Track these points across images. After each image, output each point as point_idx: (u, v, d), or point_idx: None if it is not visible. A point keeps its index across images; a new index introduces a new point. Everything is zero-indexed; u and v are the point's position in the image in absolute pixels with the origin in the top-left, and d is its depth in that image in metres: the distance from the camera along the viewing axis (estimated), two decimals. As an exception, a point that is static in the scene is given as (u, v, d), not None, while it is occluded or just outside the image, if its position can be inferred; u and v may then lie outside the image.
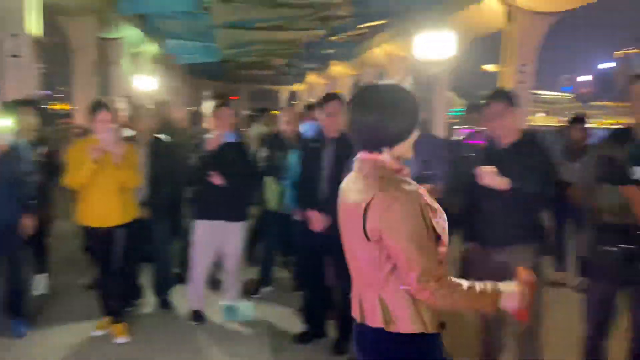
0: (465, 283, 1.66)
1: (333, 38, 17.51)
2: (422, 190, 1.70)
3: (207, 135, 3.75)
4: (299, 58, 23.55)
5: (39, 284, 4.48)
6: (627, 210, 2.50)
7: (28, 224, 3.75)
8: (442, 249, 1.70)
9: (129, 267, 4.04)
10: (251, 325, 3.90)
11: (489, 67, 16.20)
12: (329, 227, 3.43)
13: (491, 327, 3.03)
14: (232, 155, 3.73)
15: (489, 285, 1.69)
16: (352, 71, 25.76)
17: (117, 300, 3.67)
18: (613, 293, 2.69)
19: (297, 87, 39.80)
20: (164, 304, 4.22)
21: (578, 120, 5.08)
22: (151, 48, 21.20)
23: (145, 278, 4.32)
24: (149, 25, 14.68)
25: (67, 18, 13.84)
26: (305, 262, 3.76)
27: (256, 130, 6.31)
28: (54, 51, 15.40)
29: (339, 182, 3.43)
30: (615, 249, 2.51)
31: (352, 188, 1.79)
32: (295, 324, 3.82)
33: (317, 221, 3.46)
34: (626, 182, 2.52)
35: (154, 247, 4.23)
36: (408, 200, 1.61)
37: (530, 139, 2.82)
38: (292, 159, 3.92)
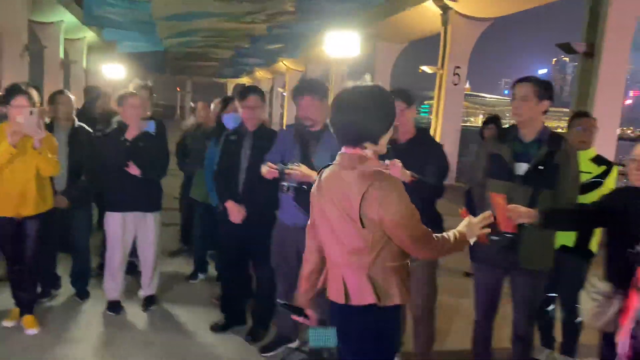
0: (444, 235, 1.97)
1: (279, 32, 17.52)
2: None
3: (115, 121, 3.67)
4: (246, 52, 23.40)
5: None
6: (509, 201, 2.74)
7: None
8: None
9: (45, 257, 3.97)
10: (169, 315, 3.92)
11: (427, 69, 16.70)
12: (248, 218, 3.52)
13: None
14: (147, 146, 3.73)
15: (458, 232, 2.00)
16: (298, 67, 25.91)
17: (29, 291, 3.58)
18: (497, 279, 2.91)
19: (244, 80, 39.48)
20: (81, 294, 4.15)
21: (490, 120, 5.41)
22: (89, 35, 20.46)
23: (64, 268, 4.24)
24: (87, 11, 14.19)
25: (-6, -1, 13.18)
26: (225, 252, 3.81)
27: (189, 122, 6.33)
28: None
29: (257, 173, 3.55)
30: (498, 237, 2.75)
31: (337, 180, 1.90)
32: (214, 313, 3.88)
33: (235, 213, 3.54)
34: (511, 177, 2.76)
35: (72, 238, 4.16)
36: (400, 188, 1.83)
37: (424, 136, 3.02)
38: (211, 150, 3.97)
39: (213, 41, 20.78)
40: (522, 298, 2.80)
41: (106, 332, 3.63)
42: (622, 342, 1.97)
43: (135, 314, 3.94)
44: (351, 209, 1.83)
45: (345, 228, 1.88)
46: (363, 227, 1.83)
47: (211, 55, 26.87)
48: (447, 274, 4.60)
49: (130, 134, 3.75)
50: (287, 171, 2.98)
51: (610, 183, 3.21)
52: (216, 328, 3.73)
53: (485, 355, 3.02)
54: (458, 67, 12.38)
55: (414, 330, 3.15)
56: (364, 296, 1.90)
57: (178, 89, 48.08)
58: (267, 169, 3.08)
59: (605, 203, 2.53)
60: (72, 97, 4.17)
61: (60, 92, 4.18)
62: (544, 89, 2.73)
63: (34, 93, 3.94)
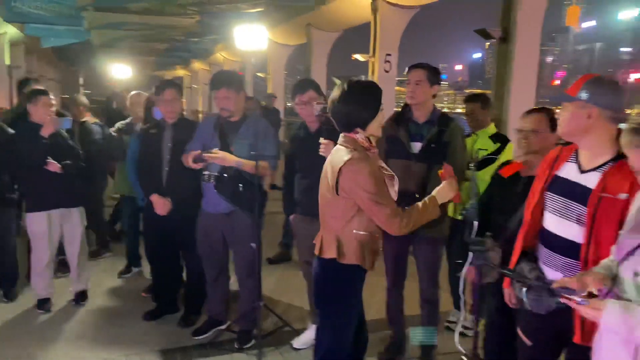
0: (415, 206, 2.24)
1: (212, 23, 17.28)
2: (381, 162, 2.34)
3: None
4: (180, 46, 22.92)
5: None
6: (407, 178, 2.99)
7: None
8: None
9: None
10: (101, 308, 3.96)
11: (359, 57, 17.14)
12: (173, 210, 3.61)
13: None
14: (60, 142, 3.73)
15: (428, 198, 2.29)
16: (235, 57, 25.67)
17: None
18: (403, 248, 3.18)
19: (180, 72, 38.63)
20: (8, 295, 4.11)
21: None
22: (10, 30, 19.39)
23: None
24: (7, 7, 13.47)
25: None
26: (153, 243, 3.88)
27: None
28: None
29: (180, 165, 3.64)
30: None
31: (333, 156, 2.31)
32: (148, 304, 3.96)
33: (160, 205, 3.62)
34: (408, 156, 3.02)
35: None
36: (371, 165, 2.19)
37: (328, 124, 3.23)
38: (133, 143, 4.01)
39: (146, 35, 20.22)
40: (425, 264, 3.09)
41: (36, 329, 3.64)
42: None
43: (66, 309, 3.97)
44: (333, 179, 2.23)
45: (328, 195, 2.30)
46: (337, 194, 2.23)
47: (145, 49, 26.11)
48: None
49: (45, 132, 3.71)
50: (205, 155, 3.11)
51: (504, 159, 3.55)
52: (149, 317, 3.82)
53: (398, 319, 3.30)
54: (389, 55, 12.75)
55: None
56: (329, 251, 2.31)
57: (111, 83, 46.34)
58: (189, 157, 3.21)
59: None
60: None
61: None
62: (435, 75, 3.03)
63: None
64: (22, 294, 4.17)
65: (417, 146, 2.98)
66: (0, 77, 18.69)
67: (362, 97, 2.26)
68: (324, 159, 3.03)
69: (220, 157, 3.13)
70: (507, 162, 2.66)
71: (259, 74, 23.71)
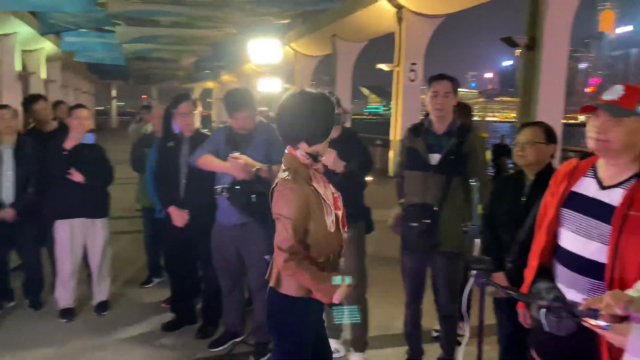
0: (315, 267, 2.00)
1: (240, 36, 17.55)
2: (323, 186, 2.07)
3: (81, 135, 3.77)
4: (209, 57, 23.33)
5: None
6: (425, 191, 2.96)
7: None
8: (325, 235, 2.05)
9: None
10: (121, 319, 4.02)
11: (383, 66, 17.08)
12: (190, 221, 3.65)
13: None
14: (89, 155, 3.87)
15: (332, 277, 1.99)
16: (264, 69, 26.00)
17: None
18: (421, 263, 3.10)
19: (210, 84, 39.29)
20: (34, 304, 4.22)
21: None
22: (47, 46, 20.13)
23: (17, 280, 4.30)
24: (43, 21, 14.00)
25: (-57, 13, 12.92)
26: (171, 254, 3.93)
27: (134, 127, 6.39)
28: None
29: (197, 178, 3.69)
30: (416, 224, 2.96)
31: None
32: (167, 315, 3.99)
33: (178, 217, 3.60)
34: (426, 168, 2.97)
35: (21, 250, 4.21)
36: (297, 189, 1.96)
37: (350, 135, 3.22)
38: (152, 156, 4.08)
39: (175, 48, 20.67)
40: (443, 279, 3.02)
41: (58, 339, 3.71)
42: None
43: (87, 320, 4.04)
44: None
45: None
46: (274, 218, 2.06)
47: (174, 62, 26.68)
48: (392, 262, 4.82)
49: (68, 145, 3.83)
50: (230, 157, 3.12)
51: None
52: (167, 328, 3.85)
53: (415, 334, 3.23)
54: (414, 64, 12.71)
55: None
56: (272, 279, 2.16)
57: (144, 97, 47.51)
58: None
59: None
60: (14, 110, 4.23)
61: (1, 106, 4.23)
62: (457, 86, 2.99)
63: None
64: (47, 304, 4.26)
65: (435, 158, 2.93)
66: (36, 91, 19.39)
67: (311, 108, 2.03)
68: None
69: (244, 161, 3.11)
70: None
71: (285, 86, 23.95)
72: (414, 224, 2.91)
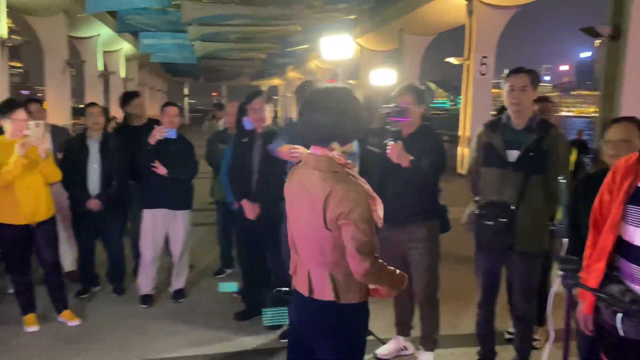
0: (387, 266, 1.94)
1: (307, 33, 17.73)
2: (363, 180, 1.92)
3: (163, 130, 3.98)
4: (277, 54, 23.75)
5: (10, 283, 4.28)
6: (501, 188, 2.85)
7: None
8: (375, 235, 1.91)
9: (85, 256, 4.35)
10: (196, 307, 4.20)
11: (452, 60, 16.59)
12: (261, 214, 3.75)
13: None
14: (173, 149, 4.08)
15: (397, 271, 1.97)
16: (329, 66, 26.14)
17: (60, 290, 3.88)
18: (495, 263, 2.91)
19: (276, 81, 39.99)
20: (118, 290, 4.50)
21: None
22: (125, 46, 21.33)
23: (102, 267, 4.60)
24: (121, 23, 14.85)
25: (35, 18, 13.98)
26: (243, 246, 4.06)
27: (208, 124, 6.62)
28: (30, 51, 15.56)
29: (269, 172, 3.77)
30: (492, 222, 2.86)
31: (305, 179, 1.92)
32: (239, 305, 4.13)
33: (250, 210, 3.69)
34: (503, 165, 2.86)
35: (106, 238, 4.51)
36: (359, 190, 1.83)
37: (425, 130, 3.15)
38: (227, 151, 4.21)
39: (244, 46, 21.21)
40: (519, 280, 2.90)
41: (137, 323, 3.93)
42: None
43: (165, 306, 4.25)
44: (317, 210, 1.85)
45: (311, 227, 1.90)
46: (326, 228, 1.85)
47: (243, 60, 27.39)
48: (464, 261, 4.70)
49: (153, 139, 4.03)
50: (291, 150, 3.17)
51: None
52: (238, 317, 3.97)
53: (487, 335, 3.13)
54: (485, 57, 12.29)
55: (420, 316, 3.28)
56: (324, 292, 1.93)
57: (214, 94, 49.11)
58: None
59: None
60: (101, 108, 4.51)
61: (91, 104, 4.52)
62: (536, 79, 2.85)
63: (34, 106, 4.27)
64: (129, 290, 4.53)
65: (513, 154, 2.81)
66: (117, 88, 20.58)
67: (343, 105, 1.87)
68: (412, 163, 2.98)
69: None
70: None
71: (350, 81, 23.92)
72: (490, 223, 2.82)
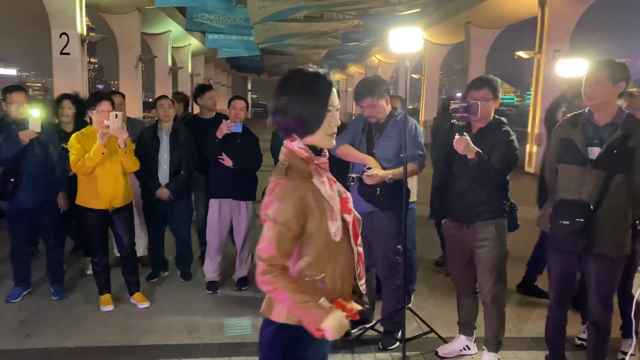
0: (294, 284, 1.57)
1: (370, 26, 17.59)
2: (328, 185, 1.63)
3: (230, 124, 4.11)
4: (338, 50, 23.76)
5: (89, 264, 4.59)
6: (580, 187, 2.69)
7: (62, 201, 4.15)
8: (327, 245, 1.62)
9: (155, 242, 4.58)
10: (258, 294, 4.28)
11: (523, 54, 15.80)
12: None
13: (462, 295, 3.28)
14: (239, 142, 4.19)
15: (323, 303, 1.55)
16: (390, 60, 25.86)
17: (133, 273, 4.08)
18: (570, 265, 2.79)
19: (337, 76, 40.02)
20: (185, 275, 4.69)
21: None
22: (193, 42, 22.07)
23: (170, 253, 4.80)
24: (189, 18, 15.38)
25: (111, 16, 14.74)
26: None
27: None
28: (109, 47, 16.46)
29: (332, 167, 3.77)
30: (569, 222, 2.71)
31: None
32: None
33: None
34: (583, 162, 2.70)
35: (174, 226, 4.70)
36: (290, 188, 1.56)
37: (497, 123, 3.04)
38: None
39: (305, 42, 21.39)
40: (596, 284, 2.74)
41: (203, 308, 4.07)
42: None
43: (229, 293, 4.38)
44: None
45: None
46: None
47: (305, 56, 27.61)
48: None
49: (220, 133, 4.16)
50: (364, 176, 3.21)
51: None
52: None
53: (558, 340, 3.00)
54: (557, 50, 11.69)
55: (484, 316, 3.19)
56: (263, 305, 1.72)
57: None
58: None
59: None
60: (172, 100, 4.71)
61: (162, 97, 4.71)
62: (619, 71, 2.65)
63: (117, 98, 4.49)
64: (196, 276, 4.70)
65: (594, 151, 2.66)
66: (184, 82, 21.36)
67: (299, 90, 1.57)
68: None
69: (377, 178, 3.18)
70: None
71: (413, 75, 23.53)
72: (566, 222, 2.69)
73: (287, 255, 1.59)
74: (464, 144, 2.82)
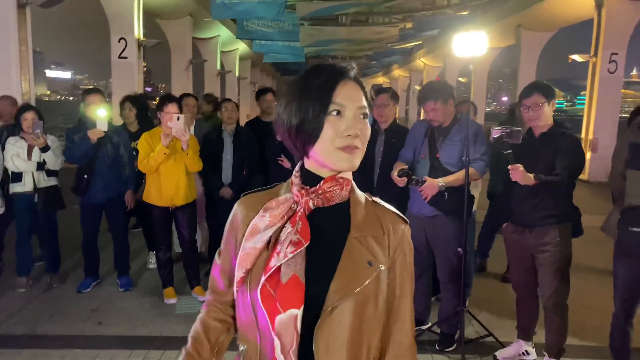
0: (203, 335, 1.24)
1: (415, 30, 17.50)
2: (264, 231, 1.06)
3: None
4: (382, 52, 23.73)
5: (152, 258, 4.97)
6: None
7: (129, 198, 4.34)
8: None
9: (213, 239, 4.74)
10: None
11: (577, 57, 15.28)
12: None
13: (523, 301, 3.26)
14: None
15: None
16: (436, 63, 25.59)
17: (193, 267, 4.24)
18: (638, 273, 2.70)
19: (380, 79, 39.92)
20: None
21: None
22: (241, 47, 22.54)
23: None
24: (240, 26, 15.75)
25: (165, 21, 15.28)
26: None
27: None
28: (157, 51, 17.03)
29: (390, 168, 3.82)
30: (639, 229, 2.65)
31: None
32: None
33: None
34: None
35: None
36: (241, 203, 1.16)
37: (561, 128, 3.01)
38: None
39: (350, 47, 21.48)
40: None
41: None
42: None
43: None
44: None
45: None
46: None
47: (349, 59, 27.70)
48: (593, 271, 4.43)
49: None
50: (420, 189, 3.26)
51: None
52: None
53: (623, 351, 2.94)
54: (615, 54, 11.30)
55: (545, 321, 3.16)
56: None
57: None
58: (395, 170, 3.39)
59: None
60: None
61: (226, 100, 4.88)
62: None
63: (190, 100, 4.63)
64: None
65: None
66: (231, 87, 21.83)
67: (288, 90, 1.11)
68: (545, 164, 2.89)
69: (429, 190, 3.24)
70: None
71: (460, 79, 23.20)
72: (636, 230, 2.65)
73: (230, 286, 1.18)
74: (519, 176, 2.82)
